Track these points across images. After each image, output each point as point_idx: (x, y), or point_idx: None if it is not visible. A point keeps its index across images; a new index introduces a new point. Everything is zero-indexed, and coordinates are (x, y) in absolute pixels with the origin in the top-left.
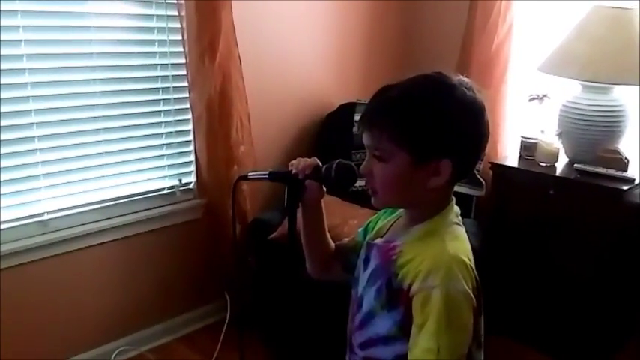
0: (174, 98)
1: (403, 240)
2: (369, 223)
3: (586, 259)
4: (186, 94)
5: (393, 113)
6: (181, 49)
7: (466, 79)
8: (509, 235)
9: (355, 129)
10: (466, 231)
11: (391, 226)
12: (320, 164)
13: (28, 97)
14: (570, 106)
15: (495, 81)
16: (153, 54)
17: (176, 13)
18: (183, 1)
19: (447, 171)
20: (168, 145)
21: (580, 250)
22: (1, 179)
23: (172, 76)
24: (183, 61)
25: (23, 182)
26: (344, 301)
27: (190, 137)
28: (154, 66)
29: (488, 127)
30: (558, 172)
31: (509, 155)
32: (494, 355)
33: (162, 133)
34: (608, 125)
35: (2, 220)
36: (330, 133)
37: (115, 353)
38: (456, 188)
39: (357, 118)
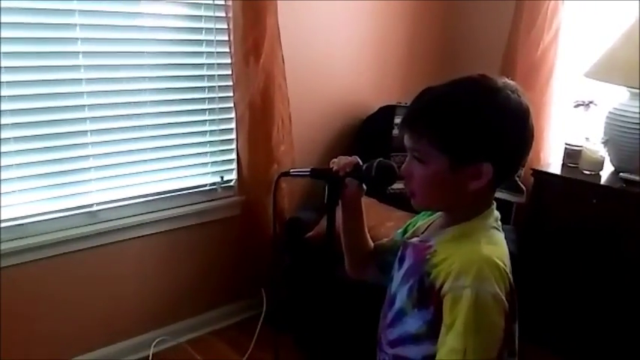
0: (219, 97)
1: (438, 240)
2: (409, 224)
3: (628, 270)
4: (231, 94)
5: (433, 116)
6: (227, 50)
7: (511, 82)
8: (549, 243)
9: (395, 131)
10: (505, 237)
11: (429, 226)
12: (361, 162)
13: (83, 93)
14: (617, 114)
15: (540, 86)
16: (200, 54)
17: (224, 15)
18: (230, 3)
19: (487, 174)
20: (212, 143)
21: (622, 261)
22: (55, 170)
23: (218, 75)
24: (228, 61)
25: (75, 174)
26: (377, 302)
27: (233, 136)
28: (200, 65)
29: (532, 131)
30: (603, 181)
31: (552, 162)
32: None
33: (206, 131)
34: None
35: (54, 209)
36: (369, 136)
37: (154, 342)
38: (496, 194)
39: (397, 120)
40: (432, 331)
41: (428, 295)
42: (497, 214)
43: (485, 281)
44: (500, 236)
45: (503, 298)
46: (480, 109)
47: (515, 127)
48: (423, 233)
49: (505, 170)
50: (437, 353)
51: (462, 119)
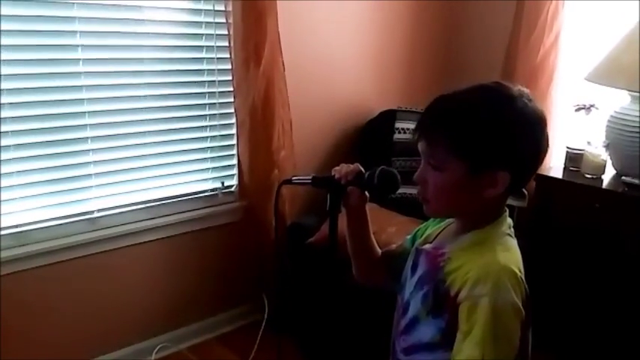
0: (220, 103)
1: (452, 247)
2: (418, 230)
3: (631, 274)
4: (231, 99)
5: (451, 124)
6: (228, 56)
7: (526, 90)
8: (551, 247)
9: (396, 135)
10: None
11: (440, 233)
12: (363, 170)
13: (83, 99)
14: (618, 117)
15: (541, 90)
16: (200, 60)
17: (224, 20)
18: (230, 9)
19: (504, 182)
20: (212, 149)
21: (625, 265)
22: (55, 177)
23: (218, 81)
24: (229, 67)
25: (76, 181)
26: (381, 307)
27: (234, 141)
28: (201, 71)
29: (548, 140)
30: (605, 185)
31: (553, 166)
32: None
33: (207, 137)
34: None
35: (54, 216)
36: (370, 140)
37: (156, 350)
38: None
39: (397, 125)
40: (446, 339)
41: (443, 303)
42: (510, 220)
43: (503, 290)
44: (513, 243)
45: (521, 306)
46: (500, 116)
47: (533, 135)
48: (434, 240)
49: (521, 178)
50: None
51: (481, 127)
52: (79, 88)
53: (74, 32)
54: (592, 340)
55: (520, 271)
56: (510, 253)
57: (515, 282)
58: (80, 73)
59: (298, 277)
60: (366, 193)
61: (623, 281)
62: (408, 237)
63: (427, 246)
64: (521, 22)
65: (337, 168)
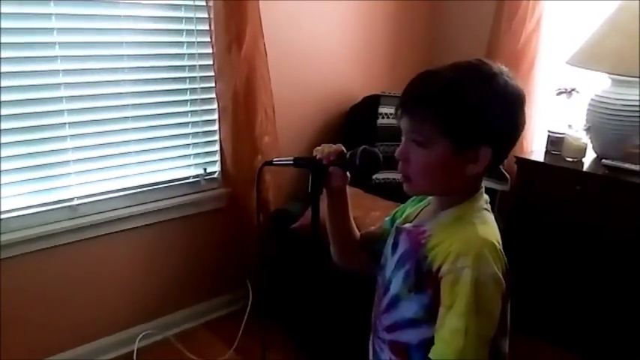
0: (201, 88)
1: (432, 224)
2: (397, 211)
3: (613, 257)
4: (213, 84)
5: (437, 101)
6: (209, 40)
7: (505, 68)
8: (533, 230)
9: (380, 120)
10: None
11: (419, 212)
12: (345, 150)
13: (60, 84)
14: (599, 101)
15: (522, 74)
16: (180, 44)
17: (204, 4)
18: None
19: (486, 158)
20: (194, 135)
21: (607, 248)
22: (33, 164)
23: (199, 65)
24: (210, 51)
25: (54, 167)
26: (364, 290)
27: (216, 127)
28: (181, 56)
29: (525, 116)
30: (585, 168)
31: (535, 150)
32: (521, 356)
33: (188, 122)
34: (638, 120)
35: (33, 204)
36: (354, 125)
37: (139, 337)
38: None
39: (381, 110)
40: (429, 315)
41: (425, 279)
42: (486, 196)
43: (484, 262)
44: (491, 217)
45: (502, 278)
46: (484, 93)
47: (514, 111)
48: (414, 219)
49: (501, 154)
50: (436, 334)
51: (467, 104)
52: (55, 72)
53: (49, 15)
54: (572, 318)
55: (499, 244)
56: (489, 227)
57: (495, 254)
58: (56, 57)
59: (283, 263)
60: (348, 173)
61: (604, 262)
62: (387, 218)
63: (407, 225)
64: (503, 8)
65: (319, 148)
